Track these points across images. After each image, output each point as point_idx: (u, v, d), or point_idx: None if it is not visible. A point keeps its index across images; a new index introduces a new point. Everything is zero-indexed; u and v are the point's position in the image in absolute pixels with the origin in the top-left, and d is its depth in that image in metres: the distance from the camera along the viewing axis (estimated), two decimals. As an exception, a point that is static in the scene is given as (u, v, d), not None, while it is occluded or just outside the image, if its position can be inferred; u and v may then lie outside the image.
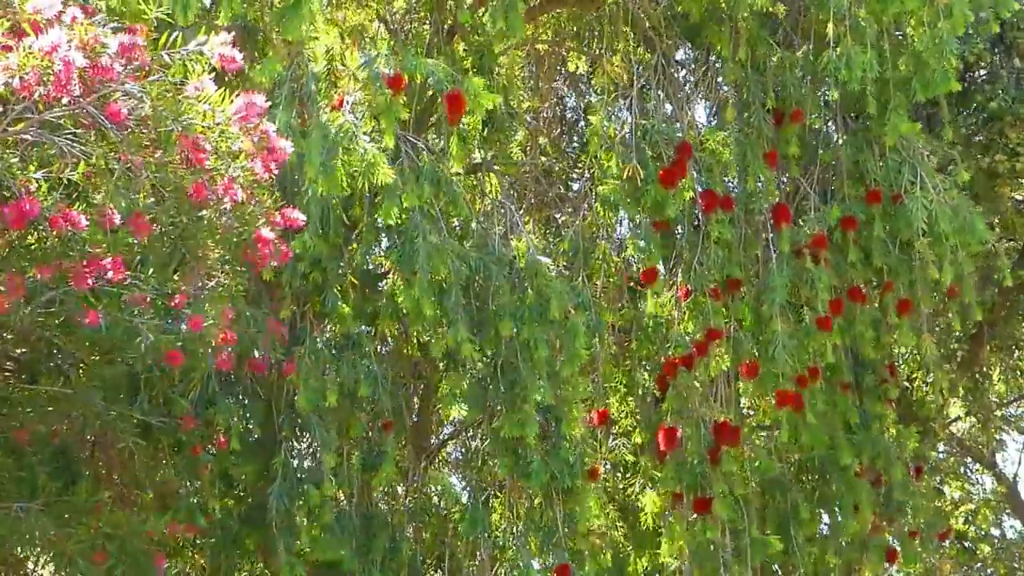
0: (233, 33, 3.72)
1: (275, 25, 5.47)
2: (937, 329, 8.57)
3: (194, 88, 3.43)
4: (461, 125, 6.51)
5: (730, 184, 7.28)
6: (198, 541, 6.55)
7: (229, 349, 4.48)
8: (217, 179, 3.42)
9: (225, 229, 3.70)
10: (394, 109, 5.70)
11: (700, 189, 6.99)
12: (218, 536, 6.25)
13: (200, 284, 4.02)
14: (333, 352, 6.10)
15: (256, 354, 5.77)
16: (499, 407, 6.14)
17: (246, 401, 6.25)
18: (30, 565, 6.41)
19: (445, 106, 5.77)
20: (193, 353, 4.42)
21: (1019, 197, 8.84)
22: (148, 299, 4.02)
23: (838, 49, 6.36)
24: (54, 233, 3.75)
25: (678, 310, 6.97)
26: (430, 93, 6.45)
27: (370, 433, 6.50)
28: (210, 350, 4.39)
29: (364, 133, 5.67)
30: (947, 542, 10.60)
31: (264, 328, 5.36)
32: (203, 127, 3.40)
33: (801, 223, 7.13)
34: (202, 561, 6.75)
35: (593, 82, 8.36)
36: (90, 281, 3.84)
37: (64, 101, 3.34)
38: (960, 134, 7.72)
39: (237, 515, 6.40)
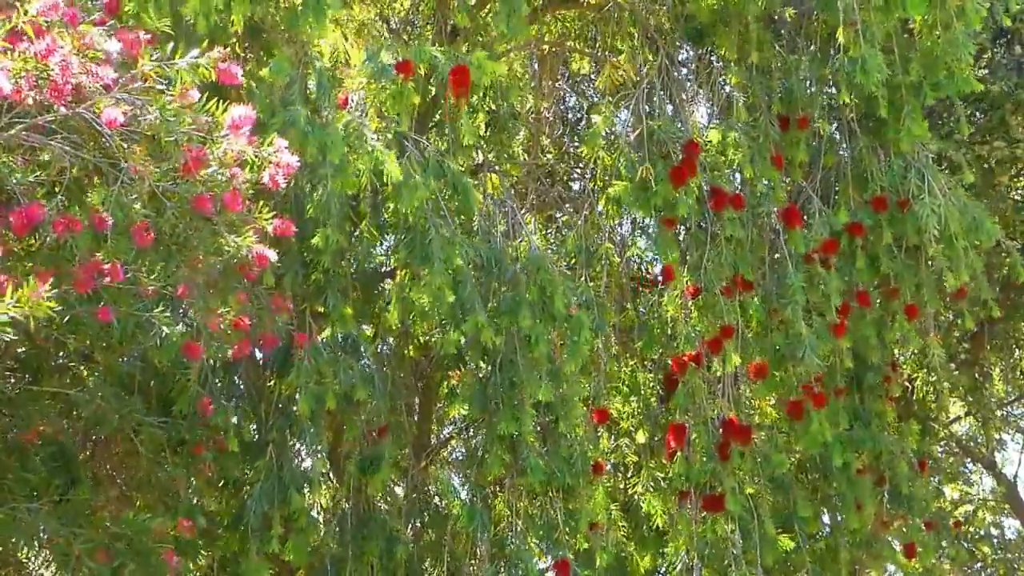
0: (234, 41, 3.71)
1: (285, 24, 5.47)
2: (940, 329, 8.56)
3: (188, 97, 3.41)
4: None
5: (737, 184, 7.25)
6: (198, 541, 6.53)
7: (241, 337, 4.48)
8: (217, 189, 3.40)
9: (221, 240, 3.68)
10: (406, 95, 5.68)
11: (707, 188, 6.97)
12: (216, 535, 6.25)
13: (198, 291, 4.01)
14: (335, 355, 6.03)
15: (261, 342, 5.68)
16: (498, 405, 6.12)
17: (244, 404, 6.23)
18: (32, 566, 6.44)
19: (450, 82, 5.71)
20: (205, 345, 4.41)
21: (1018, 197, 8.83)
22: (151, 290, 4.01)
23: (851, 52, 6.25)
24: (54, 237, 3.77)
25: (685, 308, 6.95)
26: (432, 93, 6.45)
27: (372, 436, 6.47)
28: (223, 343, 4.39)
29: (371, 132, 5.66)
30: (955, 536, 10.57)
31: (267, 306, 5.22)
32: (202, 138, 3.40)
33: (808, 228, 7.10)
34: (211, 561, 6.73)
35: (597, 83, 8.35)
36: (91, 283, 3.86)
37: (58, 107, 3.33)
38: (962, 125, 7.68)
39: (228, 516, 6.39)
